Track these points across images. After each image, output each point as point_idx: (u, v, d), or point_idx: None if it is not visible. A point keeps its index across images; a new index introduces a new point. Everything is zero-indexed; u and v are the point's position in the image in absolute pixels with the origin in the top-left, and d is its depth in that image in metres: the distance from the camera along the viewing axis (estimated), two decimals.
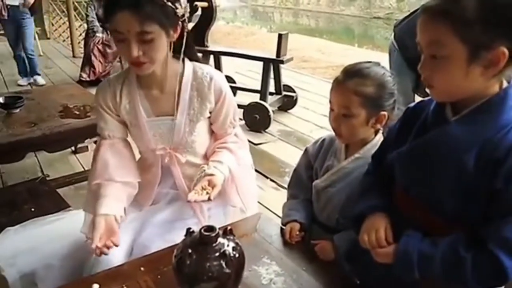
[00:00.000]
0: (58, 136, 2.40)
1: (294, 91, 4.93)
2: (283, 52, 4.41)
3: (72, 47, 7.54)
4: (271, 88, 4.62)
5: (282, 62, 4.43)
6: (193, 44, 1.53)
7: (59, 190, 2.40)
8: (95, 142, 2.52)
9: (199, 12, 4.50)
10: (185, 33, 1.43)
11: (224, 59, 4.94)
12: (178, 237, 1.10)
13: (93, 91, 3.24)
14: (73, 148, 3.50)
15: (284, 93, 4.80)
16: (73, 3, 7.63)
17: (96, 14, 5.51)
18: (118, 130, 1.53)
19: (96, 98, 1.51)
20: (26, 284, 1.44)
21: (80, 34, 7.38)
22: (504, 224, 0.90)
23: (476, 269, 0.93)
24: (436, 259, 0.96)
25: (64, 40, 8.54)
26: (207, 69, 1.52)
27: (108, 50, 5.61)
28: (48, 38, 8.86)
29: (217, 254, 0.98)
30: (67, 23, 7.82)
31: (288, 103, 4.90)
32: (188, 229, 1.05)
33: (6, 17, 5.13)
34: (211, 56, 4.80)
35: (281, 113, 4.85)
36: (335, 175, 1.38)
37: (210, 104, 1.51)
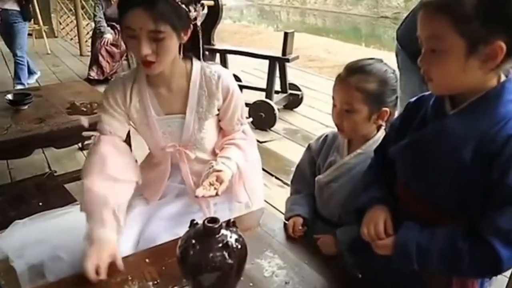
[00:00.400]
0: (66, 132, 2.44)
1: (299, 90, 4.94)
2: (288, 50, 4.42)
3: (80, 46, 7.59)
4: (277, 86, 4.63)
5: (287, 60, 4.44)
6: (203, 45, 1.54)
7: (66, 186, 2.43)
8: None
9: (205, 10, 4.51)
10: (199, 33, 1.45)
11: (230, 58, 4.96)
12: (183, 230, 1.11)
13: (101, 89, 3.28)
14: (80, 144, 3.54)
15: (289, 91, 4.81)
16: (81, 1, 7.68)
17: (104, 14, 5.54)
18: (120, 129, 1.52)
19: (106, 95, 1.52)
20: (34, 275, 1.47)
21: (88, 33, 7.42)
22: (500, 214, 0.92)
23: (472, 259, 0.94)
24: (434, 251, 0.98)
25: (71, 39, 8.60)
26: (215, 67, 1.53)
27: (116, 50, 5.64)
28: (56, 37, 8.92)
29: (220, 245, 1.00)
30: (75, 21, 7.87)
31: (293, 101, 4.91)
32: (192, 220, 1.07)
33: None
34: (217, 55, 4.82)
35: (286, 111, 4.86)
36: (337, 170, 1.40)
37: (218, 102, 1.53)
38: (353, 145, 1.40)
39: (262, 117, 4.24)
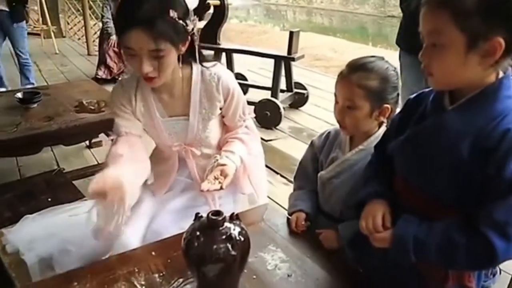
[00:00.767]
0: (74, 130, 2.49)
1: (305, 89, 4.95)
2: (294, 49, 4.44)
3: (87, 46, 7.65)
4: (283, 85, 4.65)
5: (293, 59, 4.45)
6: (201, 51, 1.56)
7: (74, 183, 2.47)
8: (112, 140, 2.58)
9: (211, 10, 4.55)
10: (195, 42, 1.47)
11: (236, 57, 4.98)
12: (189, 224, 1.13)
13: (108, 88, 3.31)
14: (87, 143, 3.59)
15: (295, 90, 4.83)
16: (88, 2, 7.74)
17: (112, 15, 5.57)
18: (134, 127, 1.58)
19: (114, 100, 1.57)
20: (44, 267, 1.52)
21: (95, 33, 7.48)
22: (496, 207, 0.93)
23: (469, 251, 0.96)
24: (431, 244, 1.00)
25: (79, 39, 8.67)
26: (214, 69, 1.56)
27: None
28: (64, 37, 8.99)
29: (223, 237, 1.02)
30: (82, 22, 7.94)
31: (299, 100, 4.93)
32: (197, 213, 1.10)
33: None
34: (223, 54, 4.85)
35: (292, 110, 4.88)
36: (339, 166, 1.42)
37: (219, 103, 1.57)
38: (355, 142, 1.42)
39: (267, 115, 4.27)
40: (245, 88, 4.82)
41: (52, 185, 2.32)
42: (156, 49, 1.32)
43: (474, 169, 0.96)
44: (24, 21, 4.92)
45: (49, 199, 2.12)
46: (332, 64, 7.85)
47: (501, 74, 1.00)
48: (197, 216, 1.09)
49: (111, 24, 5.53)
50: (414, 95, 1.19)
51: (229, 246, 1.02)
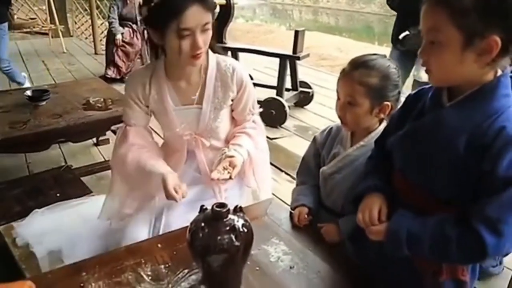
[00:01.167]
0: (81, 127, 2.55)
1: (310, 87, 4.97)
2: (299, 48, 4.45)
3: (94, 45, 7.70)
4: (288, 84, 4.67)
5: (298, 58, 4.47)
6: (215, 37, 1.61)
7: (81, 179, 2.52)
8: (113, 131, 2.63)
9: (217, 9, 4.58)
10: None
11: (242, 56, 5.00)
12: None
13: (117, 87, 3.35)
14: (95, 140, 3.64)
15: (300, 89, 4.85)
16: (96, 2, 7.80)
17: (120, 14, 5.62)
18: (143, 119, 1.65)
19: (127, 89, 1.62)
20: (53, 259, 1.56)
21: (102, 32, 7.54)
22: (488, 203, 0.95)
23: (460, 246, 0.98)
24: (424, 238, 1.02)
25: (86, 38, 8.74)
26: (230, 61, 1.62)
27: (131, 50, 5.71)
28: (71, 36, 9.06)
29: (227, 228, 1.06)
30: (90, 21, 7.99)
31: (304, 99, 4.94)
32: (202, 206, 1.13)
33: None
34: (229, 53, 4.87)
35: (297, 109, 4.90)
36: (341, 162, 1.45)
37: (232, 94, 1.61)
38: (356, 138, 1.44)
39: (272, 114, 4.28)
40: None
41: (60, 181, 2.37)
42: (207, 22, 1.39)
43: (471, 165, 0.97)
44: (6, 23, 4.57)
45: (58, 194, 2.18)
46: (338, 64, 7.84)
47: (499, 73, 1.01)
48: (202, 209, 1.13)
49: (115, 25, 5.57)
50: (414, 91, 1.21)
51: (233, 237, 1.05)
